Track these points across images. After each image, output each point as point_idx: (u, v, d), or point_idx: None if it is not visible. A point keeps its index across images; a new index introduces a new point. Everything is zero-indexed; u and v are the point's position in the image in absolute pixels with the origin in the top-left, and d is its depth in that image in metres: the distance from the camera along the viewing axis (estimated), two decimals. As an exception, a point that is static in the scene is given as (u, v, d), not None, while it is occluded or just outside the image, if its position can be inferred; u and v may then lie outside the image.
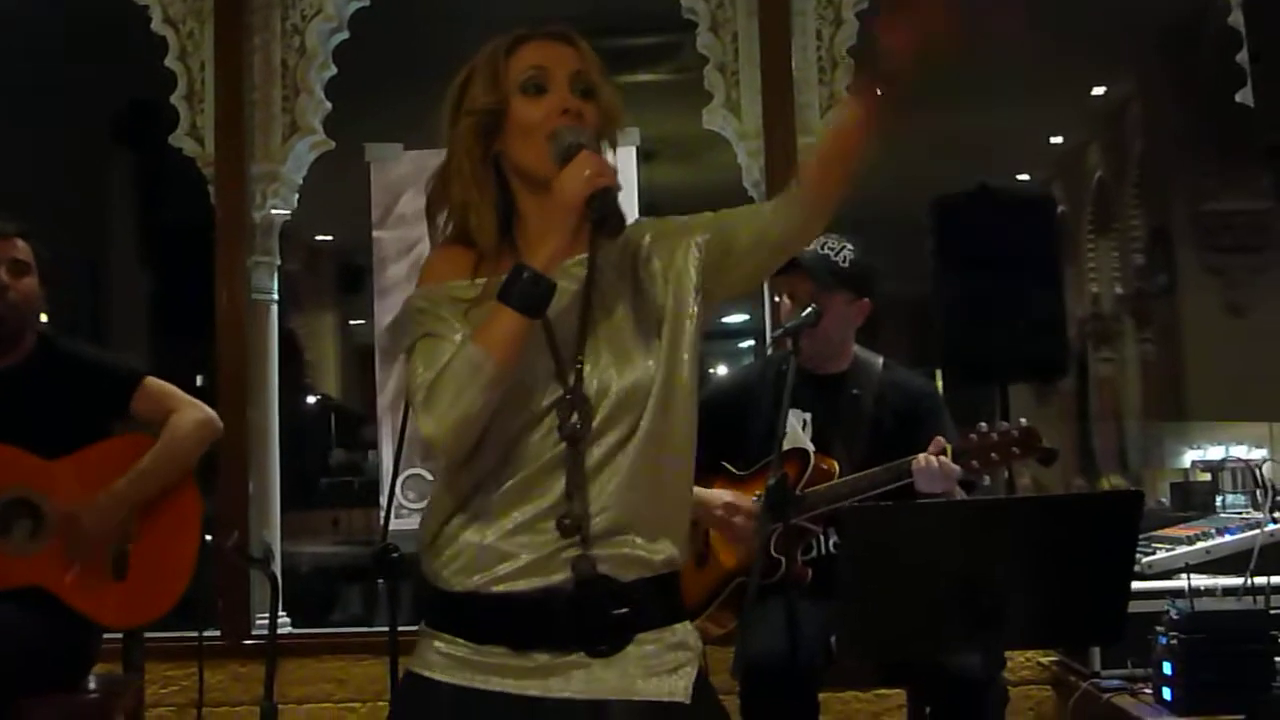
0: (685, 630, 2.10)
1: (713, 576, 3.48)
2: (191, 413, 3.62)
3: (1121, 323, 9.74)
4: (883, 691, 4.12)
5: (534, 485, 2.04)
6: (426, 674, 2.07)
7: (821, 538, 3.49)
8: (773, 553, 3.36)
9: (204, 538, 3.59)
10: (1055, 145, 10.09)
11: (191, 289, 5.23)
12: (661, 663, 2.05)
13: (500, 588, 2.03)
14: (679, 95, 5.24)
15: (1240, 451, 5.30)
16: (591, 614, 2.02)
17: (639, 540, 2.05)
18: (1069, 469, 9.54)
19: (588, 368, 2.06)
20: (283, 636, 4.44)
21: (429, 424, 1.99)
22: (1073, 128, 9.69)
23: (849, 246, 3.50)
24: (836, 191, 2.13)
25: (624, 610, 2.03)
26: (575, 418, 2.03)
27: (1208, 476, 4.62)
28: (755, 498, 3.38)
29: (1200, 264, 8.00)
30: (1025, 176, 10.30)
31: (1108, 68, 8.31)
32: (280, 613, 4.41)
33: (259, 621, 4.57)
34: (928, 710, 3.38)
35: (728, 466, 3.58)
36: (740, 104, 4.66)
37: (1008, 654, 4.10)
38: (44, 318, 3.65)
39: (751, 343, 12.85)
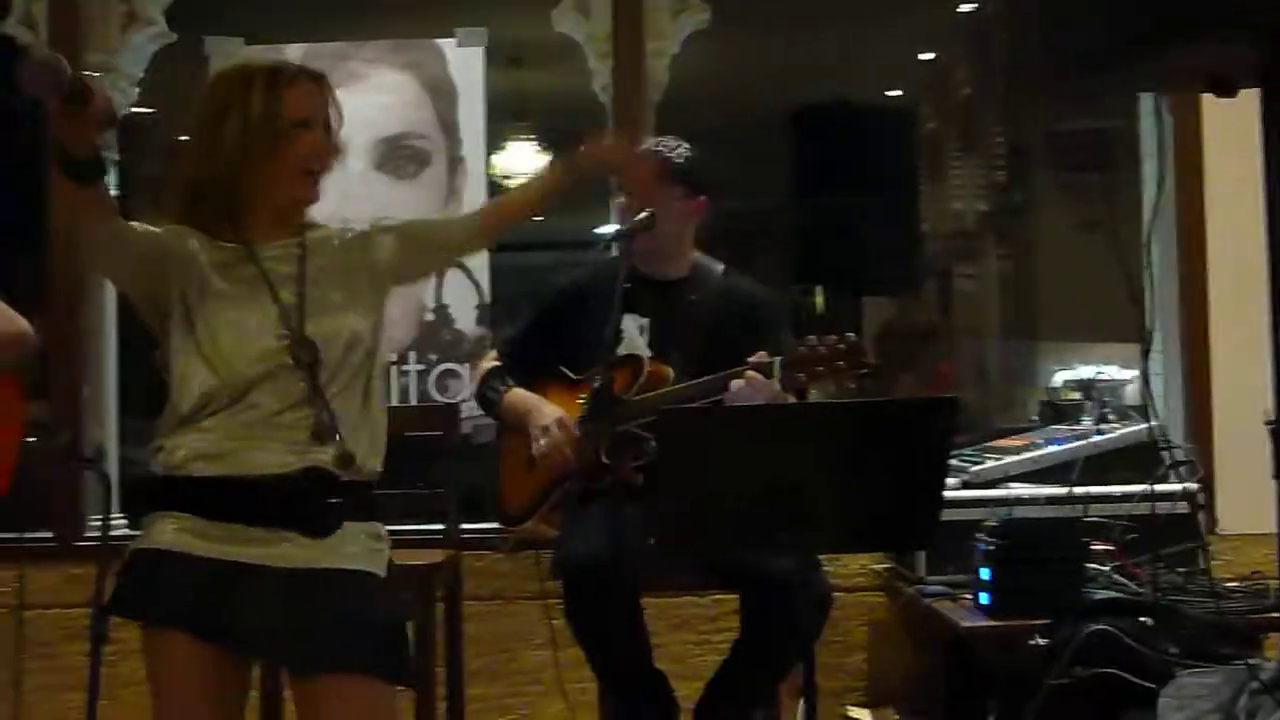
0: (380, 527, 2.57)
1: (542, 479, 3.47)
2: (4, 325, 3.47)
3: (984, 240, 9.85)
4: (718, 596, 4.15)
5: (272, 399, 2.47)
6: (169, 548, 2.44)
7: (654, 443, 3.49)
8: (603, 457, 3.36)
9: (25, 440, 3.48)
10: (925, 62, 10.11)
11: (26, 185, 5.04)
12: (363, 546, 2.51)
13: (238, 473, 2.45)
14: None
15: (1112, 371, 5.43)
16: (312, 499, 2.46)
17: (353, 450, 2.49)
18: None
19: (309, 321, 2.50)
20: (117, 538, 4.34)
21: None
22: (943, 44, 9.72)
23: (685, 145, 3.49)
24: (501, 233, 2.85)
25: (337, 500, 2.47)
26: (303, 353, 2.48)
27: (1079, 395, 4.73)
28: (581, 400, 3.38)
29: (1054, 182, 8.09)
30: (897, 93, 10.33)
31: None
32: (118, 515, 4.32)
33: (93, 523, 4.48)
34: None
35: (565, 371, 3.57)
36: (590, 5, 4.61)
37: (843, 561, 4.19)
38: None
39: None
